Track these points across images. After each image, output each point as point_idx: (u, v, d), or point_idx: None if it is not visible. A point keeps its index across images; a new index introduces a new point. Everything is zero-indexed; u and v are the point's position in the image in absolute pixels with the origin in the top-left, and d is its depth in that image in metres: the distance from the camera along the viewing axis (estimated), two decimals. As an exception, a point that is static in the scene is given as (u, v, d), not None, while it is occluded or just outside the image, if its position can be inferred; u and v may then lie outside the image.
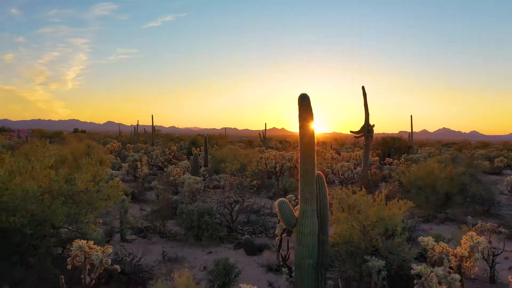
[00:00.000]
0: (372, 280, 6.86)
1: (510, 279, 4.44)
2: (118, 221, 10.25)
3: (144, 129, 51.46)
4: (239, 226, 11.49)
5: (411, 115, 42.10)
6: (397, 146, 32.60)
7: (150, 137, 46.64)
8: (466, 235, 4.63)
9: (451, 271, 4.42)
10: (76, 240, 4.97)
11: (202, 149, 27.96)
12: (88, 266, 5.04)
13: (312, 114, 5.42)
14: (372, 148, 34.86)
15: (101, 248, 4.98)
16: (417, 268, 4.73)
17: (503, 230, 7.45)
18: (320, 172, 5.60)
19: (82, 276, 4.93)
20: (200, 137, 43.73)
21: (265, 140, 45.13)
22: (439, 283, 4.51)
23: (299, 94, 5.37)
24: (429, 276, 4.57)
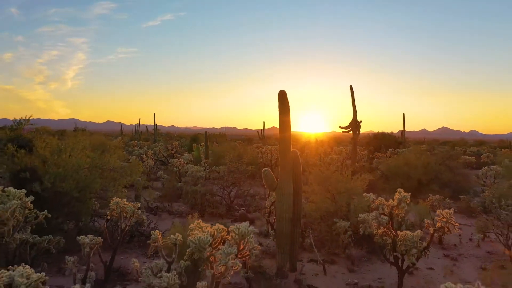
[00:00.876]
0: (340, 239, 8.66)
1: (426, 222, 6.22)
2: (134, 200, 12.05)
3: (147, 127, 53.18)
4: (236, 206, 13.26)
5: (403, 113, 43.88)
6: (388, 143, 34.40)
7: (152, 135, 48.38)
8: (398, 192, 6.37)
9: (384, 215, 6.18)
10: (113, 198, 6.73)
11: (202, 145, 29.73)
12: (122, 218, 6.80)
13: (288, 108, 7.19)
14: (365, 145, 36.77)
15: (132, 203, 6.75)
16: (361, 216, 6.52)
17: (448, 201, 9.21)
18: (295, 150, 7.36)
19: (118, 223, 6.71)
20: (201, 135, 45.53)
21: (263, 137, 46.89)
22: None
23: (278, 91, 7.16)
24: (369, 221, 6.35)
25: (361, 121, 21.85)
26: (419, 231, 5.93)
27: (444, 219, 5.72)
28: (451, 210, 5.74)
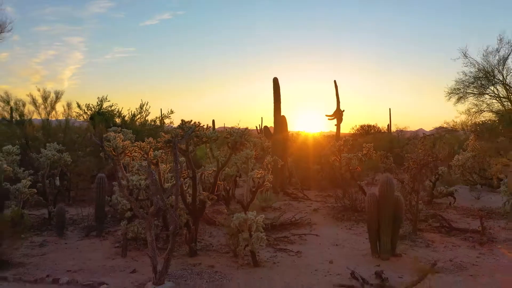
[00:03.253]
0: (314, 177, 12.91)
1: (358, 152, 10.46)
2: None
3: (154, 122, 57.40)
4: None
5: (390, 108, 48.12)
6: (373, 133, 38.77)
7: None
8: (343, 137, 10.59)
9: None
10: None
11: (209, 134, 33.99)
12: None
13: (279, 89, 11.43)
14: (353, 136, 41.19)
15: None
16: (323, 152, 10.76)
17: (389, 155, 13.47)
18: (284, 115, 11.60)
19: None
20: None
21: (262, 131, 51.21)
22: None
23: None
24: (327, 153, 10.60)
25: (344, 110, 26.07)
26: (352, 153, 10.17)
27: (367, 148, 9.98)
28: (371, 144, 9.99)
